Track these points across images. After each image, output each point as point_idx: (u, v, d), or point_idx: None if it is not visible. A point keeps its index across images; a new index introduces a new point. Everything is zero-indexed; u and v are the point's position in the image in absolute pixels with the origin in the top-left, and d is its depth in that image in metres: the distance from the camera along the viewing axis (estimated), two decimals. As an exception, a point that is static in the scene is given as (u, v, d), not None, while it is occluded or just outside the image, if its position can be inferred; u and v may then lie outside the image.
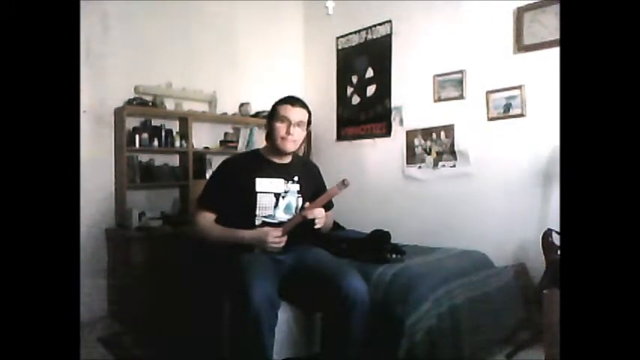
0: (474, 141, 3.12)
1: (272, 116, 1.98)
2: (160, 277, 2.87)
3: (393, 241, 2.48)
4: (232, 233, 1.90)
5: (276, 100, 2.01)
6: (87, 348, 2.43)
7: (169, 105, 3.34)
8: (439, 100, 3.31)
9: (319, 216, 1.87)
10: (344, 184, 1.85)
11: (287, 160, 2.03)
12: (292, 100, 1.96)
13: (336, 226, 2.54)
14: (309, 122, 2.02)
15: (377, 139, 3.73)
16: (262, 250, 1.85)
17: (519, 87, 2.88)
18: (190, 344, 2.42)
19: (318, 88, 4.15)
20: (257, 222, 1.92)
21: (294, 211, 1.98)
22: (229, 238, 1.90)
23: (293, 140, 1.95)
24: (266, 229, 1.85)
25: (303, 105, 1.99)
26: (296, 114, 1.94)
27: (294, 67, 4.26)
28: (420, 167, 3.44)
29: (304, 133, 2.01)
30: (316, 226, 1.88)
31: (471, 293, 2.17)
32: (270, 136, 1.98)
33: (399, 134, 3.57)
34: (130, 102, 3.11)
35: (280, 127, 1.93)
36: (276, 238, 1.82)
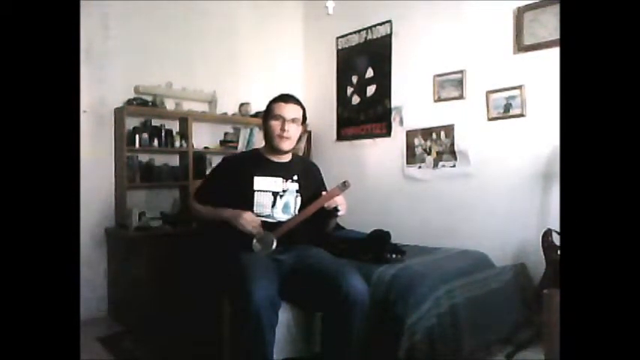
0: (474, 141, 3.12)
1: (267, 115, 2.00)
2: (159, 277, 2.87)
3: (393, 241, 2.48)
4: (216, 211, 1.95)
5: (271, 99, 2.03)
6: (87, 348, 2.43)
7: (169, 105, 3.34)
8: (439, 100, 3.31)
9: (341, 203, 1.89)
10: (345, 185, 1.85)
11: (286, 159, 2.04)
12: (285, 98, 1.99)
13: (336, 226, 2.54)
14: (304, 119, 2.03)
15: (377, 139, 3.72)
16: (262, 246, 1.84)
17: (519, 87, 2.88)
18: (190, 344, 2.42)
19: (318, 89, 4.14)
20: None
21: (292, 210, 1.98)
22: (215, 215, 1.95)
23: (288, 137, 1.95)
24: (244, 213, 1.86)
25: (296, 101, 2.01)
26: (289, 110, 1.96)
27: (294, 67, 4.26)
28: (420, 167, 3.43)
29: (300, 130, 2.01)
30: (340, 213, 1.91)
31: (471, 293, 2.17)
32: (267, 135, 2.00)
33: (399, 134, 3.56)
34: (130, 102, 3.11)
35: (275, 125, 1.95)
36: (252, 222, 1.84)
